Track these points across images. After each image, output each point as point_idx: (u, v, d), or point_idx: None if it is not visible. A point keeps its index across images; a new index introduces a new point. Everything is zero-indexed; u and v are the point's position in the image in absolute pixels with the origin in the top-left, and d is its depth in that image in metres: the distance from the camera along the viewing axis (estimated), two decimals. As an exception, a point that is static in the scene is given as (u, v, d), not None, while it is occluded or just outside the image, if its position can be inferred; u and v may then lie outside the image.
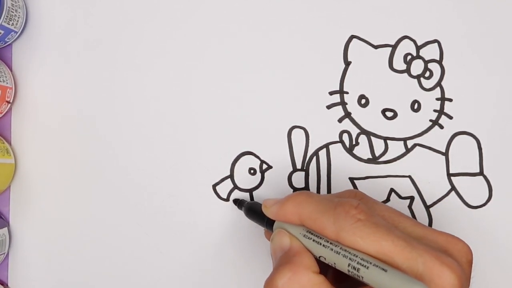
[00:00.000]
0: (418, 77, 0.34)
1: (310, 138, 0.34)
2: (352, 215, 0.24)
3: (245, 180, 0.34)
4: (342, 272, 0.24)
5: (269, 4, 0.35)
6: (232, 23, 0.35)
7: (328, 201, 0.25)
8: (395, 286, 0.21)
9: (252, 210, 0.31)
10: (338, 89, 0.34)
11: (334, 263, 0.24)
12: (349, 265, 0.23)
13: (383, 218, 0.25)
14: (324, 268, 0.25)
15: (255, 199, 0.34)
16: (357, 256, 0.23)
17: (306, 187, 0.34)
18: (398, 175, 0.34)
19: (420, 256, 0.22)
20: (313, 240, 0.25)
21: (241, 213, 0.34)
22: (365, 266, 0.22)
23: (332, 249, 0.24)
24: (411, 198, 0.34)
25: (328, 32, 0.34)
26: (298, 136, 0.34)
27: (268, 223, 0.29)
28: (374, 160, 0.34)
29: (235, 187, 0.34)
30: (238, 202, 0.34)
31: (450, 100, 0.34)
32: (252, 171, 0.34)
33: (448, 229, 0.34)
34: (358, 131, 0.34)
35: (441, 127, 0.34)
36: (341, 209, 0.24)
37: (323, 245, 0.24)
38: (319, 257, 0.25)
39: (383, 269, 0.22)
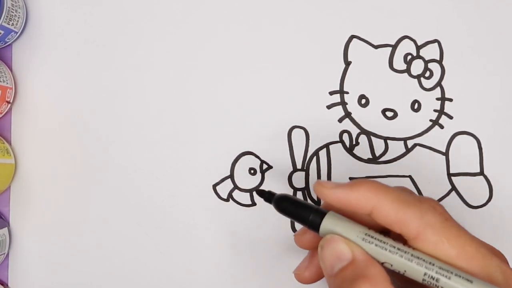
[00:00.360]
0: (418, 77, 0.34)
1: (310, 138, 0.34)
2: (440, 212, 0.22)
3: (245, 180, 0.34)
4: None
5: (269, 4, 0.35)
6: (232, 23, 0.35)
7: (407, 194, 0.23)
8: None
9: (289, 202, 0.25)
10: (338, 89, 0.34)
11: (405, 271, 0.21)
12: (425, 274, 0.21)
13: None
14: None
15: (255, 200, 0.34)
16: (433, 265, 0.21)
17: (306, 187, 0.34)
18: (398, 175, 0.34)
19: (498, 266, 0.21)
20: (376, 245, 0.22)
21: (241, 213, 0.34)
22: (446, 276, 0.21)
23: (401, 256, 0.21)
24: (412, 198, 0.34)
25: (328, 32, 0.34)
26: (298, 136, 0.34)
27: (312, 219, 0.24)
28: (374, 160, 0.34)
29: (235, 187, 0.34)
30: (265, 194, 0.27)
31: (450, 100, 0.34)
32: (252, 171, 0.34)
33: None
34: (358, 131, 0.34)
35: (441, 127, 0.34)
36: (428, 204, 0.22)
37: (389, 251, 0.22)
38: (383, 263, 0.22)
39: (468, 280, 0.20)
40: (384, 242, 0.22)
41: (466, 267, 0.21)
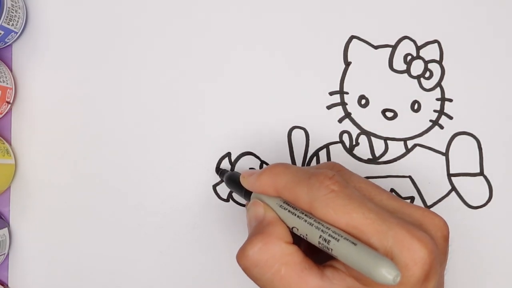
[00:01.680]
0: (418, 77, 0.34)
1: (310, 138, 0.34)
2: (326, 185, 0.23)
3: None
4: (314, 246, 0.24)
5: (269, 5, 0.35)
6: (232, 23, 0.35)
7: (304, 172, 0.25)
8: (362, 261, 0.21)
9: (232, 180, 0.31)
10: (338, 89, 0.34)
11: (306, 235, 0.23)
12: (320, 236, 0.23)
13: (359, 190, 0.25)
14: (297, 241, 0.25)
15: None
16: (329, 229, 0.23)
17: (306, 187, 0.34)
18: (398, 175, 0.34)
19: (391, 229, 0.22)
20: (289, 211, 0.25)
21: (241, 213, 0.34)
22: (335, 238, 0.22)
23: (306, 221, 0.24)
24: (412, 198, 0.34)
25: (328, 32, 0.34)
26: (298, 136, 0.34)
27: (246, 194, 0.29)
28: (374, 160, 0.34)
29: (235, 187, 0.34)
30: (220, 172, 0.34)
31: (450, 100, 0.34)
32: (252, 171, 0.34)
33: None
34: (358, 131, 0.34)
35: (441, 127, 0.34)
36: (315, 179, 0.24)
37: (298, 216, 0.24)
38: (292, 228, 0.24)
39: (352, 243, 0.21)
40: (296, 209, 0.24)
41: (356, 233, 0.22)
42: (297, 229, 0.24)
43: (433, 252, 0.22)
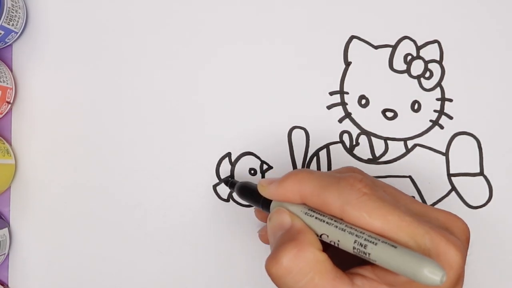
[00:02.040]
0: (418, 77, 0.34)
1: (310, 138, 0.34)
2: (358, 189, 0.23)
3: (245, 180, 0.34)
4: (340, 254, 0.23)
5: (269, 4, 0.35)
6: (232, 23, 0.35)
7: (330, 176, 0.24)
8: (405, 263, 0.20)
9: (246, 190, 0.30)
10: (338, 89, 0.34)
11: (338, 241, 0.23)
12: (355, 241, 0.22)
13: (386, 194, 0.24)
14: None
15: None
16: (363, 233, 0.22)
17: (306, 187, 0.34)
18: (398, 175, 0.34)
19: (427, 233, 0.22)
20: (316, 218, 0.24)
21: (241, 213, 0.34)
22: (373, 242, 0.21)
23: (336, 226, 0.23)
24: (411, 198, 0.34)
25: (328, 33, 0.34)
26: (298, 137, 0.34)
27: (264, 203, 0.28)
28: (374, 160, 0.34)
29: (235, 187, 0.34)
30: (229, 183, 0.32)
31: (450, 100, 0.34)
32: (252, 172, 0.34)
33: (448, 229, 0.34)
34: (359, 131, 0.34)
35: (441, 127, 0.34)
36: (345, 182, 0.23)
37: (327, 222, 0.23)
38: (321, 235, 0.24)
39: (392, 246, 0.21)
40: (323, 216, 0.24)
41: (392, 236, 0.22)
42: (327, 236, 0.23)
43: (465, 257, 0.22)
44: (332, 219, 0.23)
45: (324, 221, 0.23)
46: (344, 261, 0.24)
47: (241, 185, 0.31)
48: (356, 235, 0.22)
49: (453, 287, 0.22)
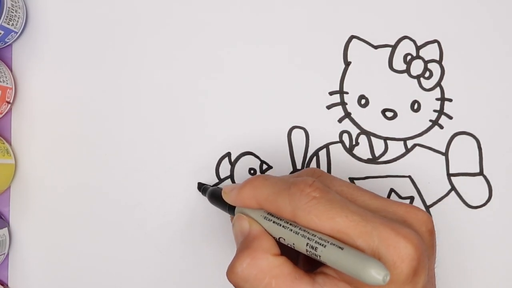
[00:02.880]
0: (418, 77, 0.34)
1: (310, 138, 0.34)
2: (307, 193, 0.23)
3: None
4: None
5: (269, 4, 0.35)
6: (232, 23, 0.35)
7: (283, 181, 0.25)
8: (350, 264, 0.21)
9: (215, 196, 0.31)
10: (338, 89, 0.34)
11: (293, 244, 0.24)
12: (307, 244, 0.23)
13: (341, 193, 0.25)
14: (292, 252, 0.25)
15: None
16: (315, 236, 0.23)
17: (306, 187, 0.34)
18: (398, 175, 0.34)
19: (375, 229, 0.22)
20: (273, 222, 0.25)
21: (241, 213, 0.34)
22: (322, 245, 0.22)
23: (291, 230, 0.24)
24: (411, 198, 0.34)
25: (328, 32, 0.34)
26: (298, 136, 0.34)
27: (230, 209, 0.29)
28: (374, 160, 0.34)
29: (235, 187, 0.34)
30: (202, 188, 0.33)
31: (450, 100, 0.34)
32: (252, 172, 0.34)
33: (448, 229, 0.34)
34: (358, 131, 0.34)
35: (441, 127, 0.34)
36: (295, 188, 0.24)
37: (283, 226, 0.24)
38: (279, 238, 0.24)
39: (339, 247, 0.22)
40: (280, 220, 0.24)
41: (342, 237, 0.22)
42: (284, 239, 0.24)
43: (419, 248, 0.22)
44: (288, 223, 0.24)
45: (280, 225, 0.24)
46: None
47: (211, 190, 0.31)
48: (308, 238, 0.23)
49: (411, 279, 0.22)
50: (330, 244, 0.22)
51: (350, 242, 0.22)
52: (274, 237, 0.25)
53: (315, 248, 0.22)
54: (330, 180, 0.26)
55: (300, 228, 0.23)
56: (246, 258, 0.24)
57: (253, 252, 0.24)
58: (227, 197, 0.28)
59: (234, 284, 0.24)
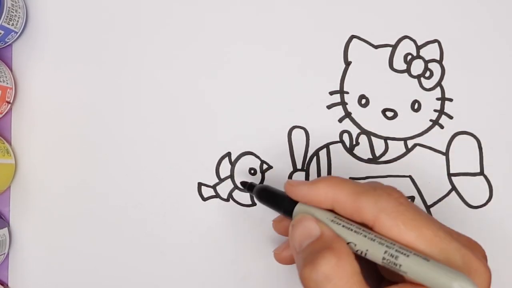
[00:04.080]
0: (418, 77, 0.34)
1: (310, 138, 0.34)
2: (395, 197, 0.23)
3: (245, 180, 0.34)
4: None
5: (269, 4, 0.35)
6: (232, 22, 0.35)
7: (364, 184, 0.24)
8: (436, 277, 0.20)
9: (267, 192, 0.28)
10: (338, 89, 0.34)
11: (367, 250, 0.22)
12: (385, 252, 0.22)
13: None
14: None
15: (256, 200, 0.34)
16: (394, 244, 0.22)
17: (307, 187, 0.34)
18: (398, 175, 0.34)
19: (459, 250, 0.22)
20: (343, 226, 0.23)
21: (241, 213, 0.34)
22: (405, 254, 0.21)
23: (365, 235, 0.22)
24: (412, 198, 0.34)
25: (328, 32, 0.34)
26: (298, 136, 0.34)
27: (286, 208, 0.26)
28: (374, 160, 0.34)
29: (236, 187, 0.34)
30: (247, 185, 0.31)
31: (451, 100, 0.34)
32: (252, 171, 0.34)
33: (449, 229, 0.34)
34: (359, 131, 0.34)
35: (442, 127, 0.34)
36: (382, 191, 0.23)
37: (355, 231, 0.23)
38: (348, 243, 0.23)
39: (425, 259, 0.21)
40: (351, 224, 0.23)
41: (424, 249, 0.22)
42: (355, 245, 0.23)
43: (491, 277, 0.22)
44: (360, 228, 0.23)
45: (352, 230, 0.23)
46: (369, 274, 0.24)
47: (261, 188, 0.29)
48: (387, 246, 0.22)
49: None
50: (414, 254, 0.21)
51: (433, 256, 0.22)
52: None
53: (396, 257, 0.21)
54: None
55: (375, 235, 0.22)
56: (333, 258, 0.22)
57: (338, 253, 0.22)
58: (294, 191, 0.26)
59: (312, 284, 0.23)
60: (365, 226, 0.23)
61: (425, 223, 0.22)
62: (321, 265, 0.22)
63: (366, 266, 0.24)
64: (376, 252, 0.22)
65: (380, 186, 0.24)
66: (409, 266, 0.21)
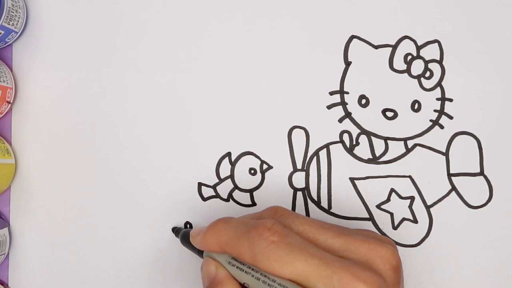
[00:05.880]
0: (418, 77, 0.34)
1: (310, 138, 0.34)
2: (266, 237, 0.24)
3: (245, 180, 0.34)
4: None
5: (269, 4, 0.35)
6: (232, 22, 0.35)
7: (244, 224, 0.25)
8: None
9: (187, 238, 0.31)
10: (338, 89, 0.34)
11: None
12: None
13: (303, 233, 0.25)
14: None
15: (256, 200, 0.34)
16: (274, 281, 0.23)
17: (307, 187, 0.34)
18: (398, 175, 0.34)
19: (335, 274, 0.22)
20: (237, 267, 0.25)
21: (241, 213, 0.34)
22: None
23: (253, 275, 0.24)
24: (412, 198, 0.34)
25: (328, 32, 0.34)
26: (298, 136, 0.34)
27: (199, 252, 0.29)
28: (374, 160, 0.34)
29: (236, 187, 0.34)
30: (175, 231, 0.33)
31: (451, 100, 0.34)
32: (252, 171, 0.34)
33: (449, 229, 0.34)
34: (359, 131, 0.34)
35: (442, 127, 0.34)
36: (254, 232, 0.24)
37: (245, 272, 0.24)
38: (244, 283, 0.25)
39: None
40: (244, 265, 0.25)
41: (302, 281, 0.22)
42: (247, 285, 0.24)
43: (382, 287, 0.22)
44: (250, 268, 0.24)
45: (243, 270, 0.25)
46: None
47: (183, 233, 0.32)
48: (268, 284, 0.23)
49: None
50: None
51: (311, 286, 0.22)
52: (239, 282, 0.25)
53: None
54: (292, 219, 0.26)
55: (261, 274, 0.24)
56: None
57: None
58: (194, 241, 0.28)
59: None
60: None
61: (297, 256, 0.23)
62: None
63: None
64: None
65: (254, 226, 0.24)
66: None
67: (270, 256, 0.23)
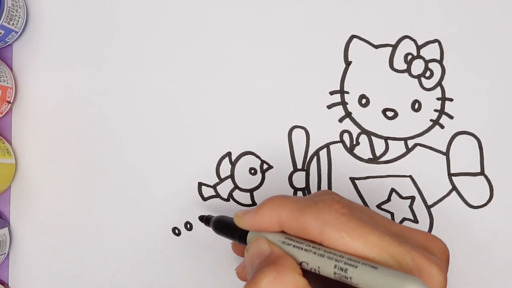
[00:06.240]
0: (418, 77, 0.34)
1: (310, 138, 0.34)
2: (336, 209, 0.23)
3: (245, 180, 0.34)
4: (325, 285, 0.23)
5: (269, 4, 0.35)
6: (232, 23, 0.35)
7: (307, 199, 0.24)
8: (387, 283, 0.20)
9: (221, 223, 0.29)
10: (338, 89, 0.34)
11: (318, 267, 0.22)
12: (335, 266, 0.21)
13: (364, 215, 0.24)
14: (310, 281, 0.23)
15: (256, 200, 0.34)
16: (343, 257, 0.22)
17: (307, 187, 0.34)
18: (398, 175, 0.34)
19: (408, 252, 0.22)
20: (293, 246, 0.23)
21: (241, 213, 0.34)
22: (353, 265, 0.21)
23: (315, 252, 0.22)
24: (412, 198, 0.34)
25: (328, 32, 0.34)
26: (298, 136, 0.34)
27: (240, 236, 0.27)
28: (374, 160, 0.34)
29: (236, 187, 0.34)
30: (204, 219, 0.31)
31: (451, 99, 0.34)
32: (252, 171, 0.34)
33: (449, 229, 0.34)
34: (359, 131, 0.34)
35: (442, 126, 0.34)
36: (323, 204, 0.23)
37: (305, 249, 0.23)
38: (301, 263, 0.23)
39: (373, 267, 0.21)
40: (301, 243, 0.23)
41: (374, 257, 0.21)
42: (307, 263, 0.23)
43: (446, 277, 0.22)
44: (310, 245, 0.23)
45: (302, 248, 0.23)
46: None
47: (216, 219, 0.30)
48: (336, 260, 0.22)
49: None
50: (362, 264, 0.21)
51: (382, 263, 0.21)
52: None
53: (345, 270, 0.21)
54: (349, 201, 0.25)
55: (325, 250, 0.22)
56: (272, 272, 0.22)
57: (279, 267, 0.22)
58: (241, 221, 0.26)
59: None
60: (315, 242, 0.23)
61: (370, 230, 0.22)
62: (259, 280, 0.22)
63: (336, 283, 0.23)
64: (327, 268, 0.22)
65: (321, 198, 0.23)
66: (359, 277, 0.21)
67: (341, 228, 0.22)
